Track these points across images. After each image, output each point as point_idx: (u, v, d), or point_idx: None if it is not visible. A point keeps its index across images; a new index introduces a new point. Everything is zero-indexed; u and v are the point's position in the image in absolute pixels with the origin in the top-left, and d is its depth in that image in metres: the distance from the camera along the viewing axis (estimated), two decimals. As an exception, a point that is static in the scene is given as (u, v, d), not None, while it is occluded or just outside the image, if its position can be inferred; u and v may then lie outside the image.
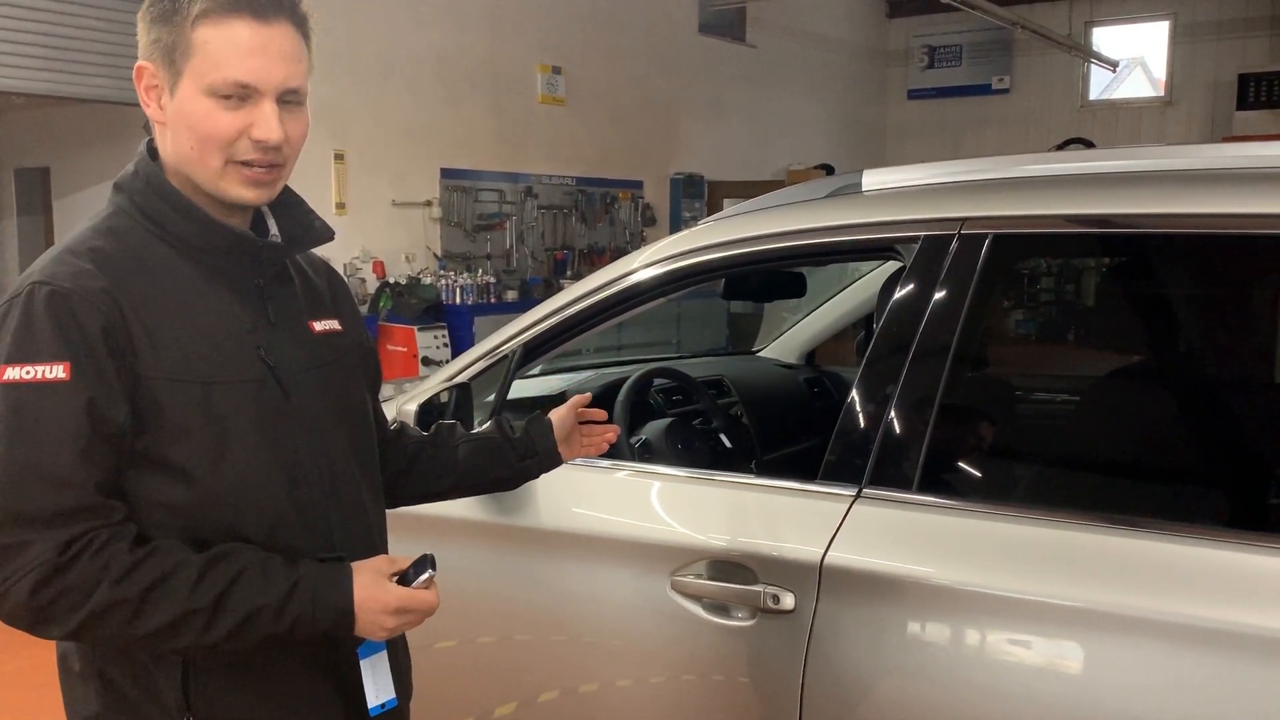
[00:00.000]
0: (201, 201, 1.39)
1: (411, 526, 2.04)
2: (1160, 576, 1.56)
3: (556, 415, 1.88)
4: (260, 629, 1.32)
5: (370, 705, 1.48)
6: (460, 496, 1.89)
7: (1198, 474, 1.91)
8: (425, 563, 1.41)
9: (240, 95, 1.33)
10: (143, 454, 1.32)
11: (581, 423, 1.93)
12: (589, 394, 1.97)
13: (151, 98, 1.38)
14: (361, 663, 1.47)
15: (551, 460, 1.87)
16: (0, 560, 1.25)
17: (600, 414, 1.97)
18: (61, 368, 1.26)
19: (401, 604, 1.38)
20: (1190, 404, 2.03)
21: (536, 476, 1.88)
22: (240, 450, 1.36)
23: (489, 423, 1.88)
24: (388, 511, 1.65)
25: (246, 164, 1.36)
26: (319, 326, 1.52)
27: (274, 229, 1.50)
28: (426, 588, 1.40)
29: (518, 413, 2.67)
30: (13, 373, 1.26)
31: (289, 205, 1.51)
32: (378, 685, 1.49)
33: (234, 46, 1.32)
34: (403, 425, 1.84)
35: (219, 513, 1.35)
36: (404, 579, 1.40)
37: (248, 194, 1.38)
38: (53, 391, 1.26)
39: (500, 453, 1.82)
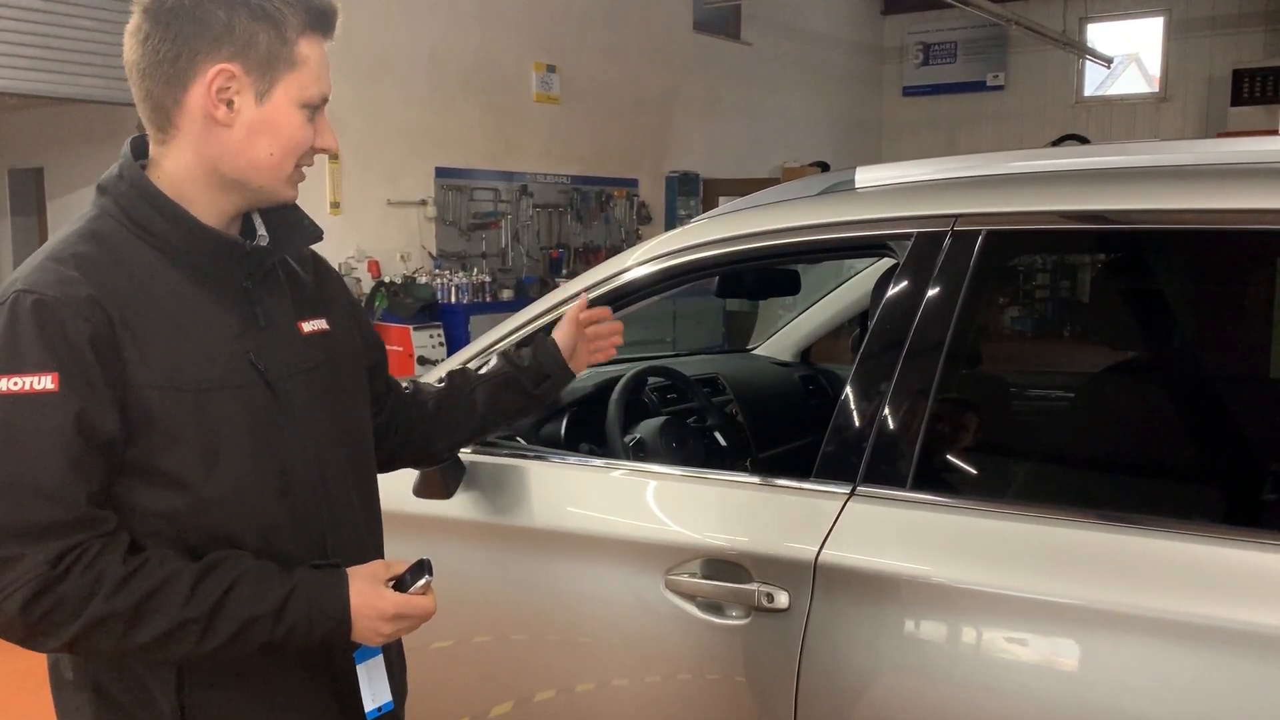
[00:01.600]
0: (202, 205, 1.38)
1: (406, 526, 2.03)
2: (1156, 573, 1.55)
3: (559, 333, 1.92)
4: (256, 638, 1.31)
5: (367, 709, 1.47)
6: (487, 435, 2.02)
7: (1193, 471, 1.91)
8: (422, 568, 1.40)
9: (319, 109, 1.41)
10: (134, 463, 1.30)
11: (587, 330, 1.95)
12: (584, 298, 2.02)
13: (221, 99, 1.34)
14: (358, 667, 1.47)
15: (565, 377, 1.91)
16: None
17: (604, 312, 1.98)
18: (49, 378, 1.24)
19: (398, 610, 1.38)
20: (1185, 400, 2.02)
21: (554, 397, 1.96)
22: (232, 456, 1.35)
23: (497, 359, 1.94)
24: (384, 511, 1.64)
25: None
26: (307, 327, 1.50)
27: (261, 229, 1.49)
28: (423, 593, 1.39)
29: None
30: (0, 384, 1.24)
31: (277, 205, 1.50)
32: (374, 689, 1.48)
33: (324, 63, 1.41)
34: (415, 383, 1.86)
35: (212, 520, 1.34)
36: (400, 584, 1.39)
37: (295, 194, 1.46)
38: (41, 402, 1.24)
39: (516, 385, 1.86)
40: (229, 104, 1.35)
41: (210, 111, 1.34)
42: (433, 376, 2.38)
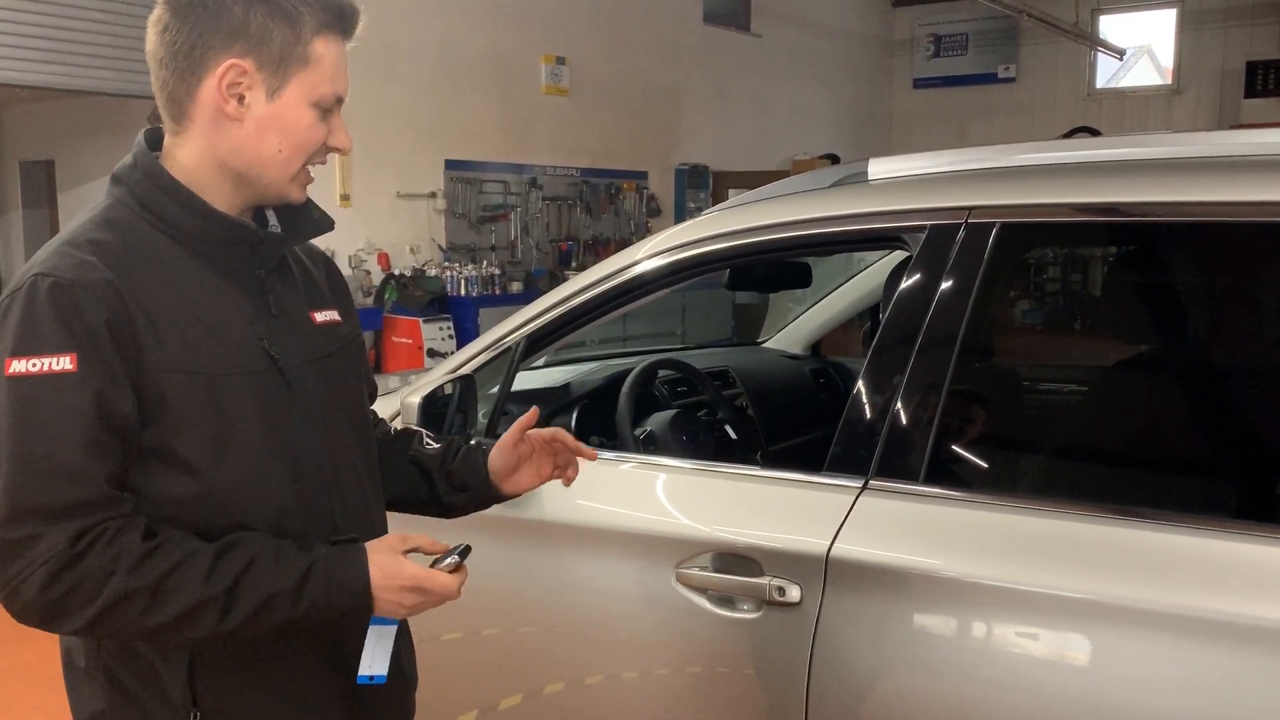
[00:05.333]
0: (212, 197, 1.38)
1: (415, 520, 2.03)
2: (1168, 568, 1.54)
3: (498, 445, 1.68)
4: (276, 615, 1.31)
5: (359, 673, 1.43)
6: (402, 512, 1.70)
7: (1206, 465, 1.90)
8: (455, 549, 1.41)
9: (334, 108, 1.41)
10: (148, 447, 1.31)
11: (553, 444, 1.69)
12: (534, 410, 1.67)
13: (232, 94, 1.35)
14: (369, 629, 1.43)
15: (482, 497, 1.69)
16: (11, 555, 1.24)
17: (578, 447, 1.68)
18: (68, 359, 1.25)
19: (417, 581, 1.36)
20: (1198, 394, 2.01)
21: (468, 513, 1.71)
22: (244, 442, 1.35)
23: (442, 443, 1.73)
24: None
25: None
26: (320, 317, 1.52)
27: (273, 219, 1.49)
28: (452, 571, 1.39)
29: (524, 404, 2.67)
30: (18, 365, 1.25)
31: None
32: (374, 657, 1.44)
33: (338, 63, 1.41)
34: (377, 419, 1.76)
35: (224, 506, 1.34)
36: (434, 560, 1.40)
37: (301, 195, 1.45)
38: (60, 383, 1.25)
39: (430, 479, 1.69)
40: (240, 99, 1.35)
41: (220, 106, 1.35)
42: (436, 374, 2.38)
